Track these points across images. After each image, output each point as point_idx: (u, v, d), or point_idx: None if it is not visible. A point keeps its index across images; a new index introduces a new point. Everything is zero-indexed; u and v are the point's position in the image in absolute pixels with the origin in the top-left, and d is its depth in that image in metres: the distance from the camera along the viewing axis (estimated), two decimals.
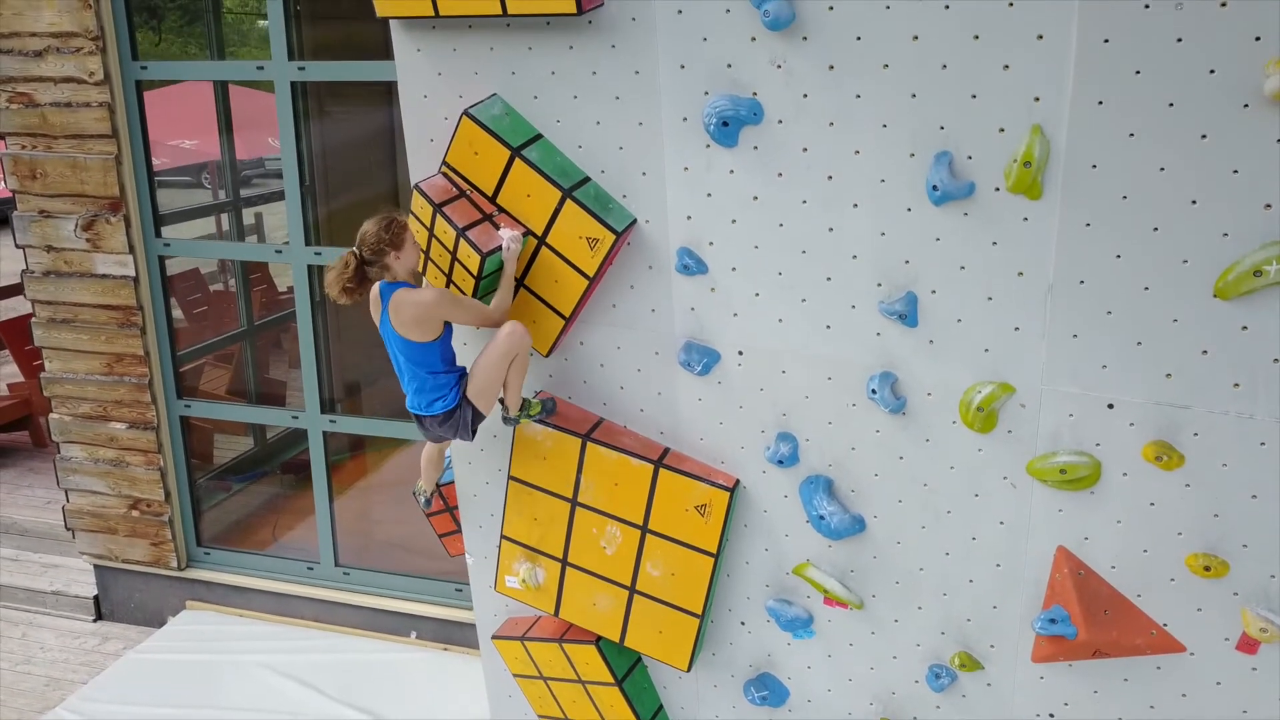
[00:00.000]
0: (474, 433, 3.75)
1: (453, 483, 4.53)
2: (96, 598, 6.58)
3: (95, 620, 6.56)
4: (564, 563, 4.14)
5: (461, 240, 3.59)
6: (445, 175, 3.76)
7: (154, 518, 6.19)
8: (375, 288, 3.63)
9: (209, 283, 9.00)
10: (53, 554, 7.02)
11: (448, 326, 3.61)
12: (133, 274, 5.73)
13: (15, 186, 5.76)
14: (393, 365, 3.73)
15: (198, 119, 8.25)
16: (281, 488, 7.43)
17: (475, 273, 3.64)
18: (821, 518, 3.64)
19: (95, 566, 6.51)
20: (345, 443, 7.53)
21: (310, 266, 5.59)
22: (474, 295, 3.72)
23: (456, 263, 3.69)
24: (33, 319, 6.00)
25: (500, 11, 3.41)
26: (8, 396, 8.41)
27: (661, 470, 3.82)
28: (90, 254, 5.77)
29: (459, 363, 3.76)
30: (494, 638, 4.52)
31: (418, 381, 3.64)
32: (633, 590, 4.03)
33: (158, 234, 5.78)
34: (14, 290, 10.53)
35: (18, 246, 5.87)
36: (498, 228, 3.66)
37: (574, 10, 3.28)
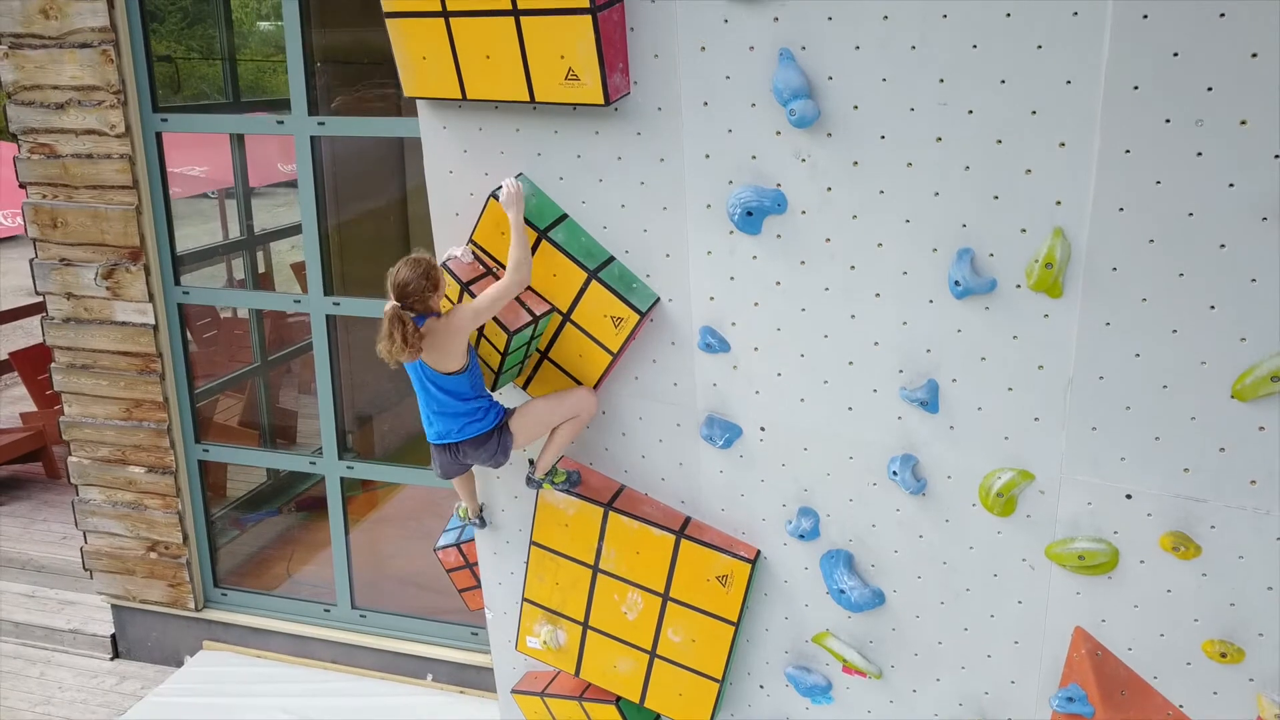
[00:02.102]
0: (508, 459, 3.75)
1: (473, 540, 4.60)
2: (114, 636, 6.64)
3: (112, 659, 6.62)
4: (585, 626, 4.20)
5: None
6: (471, 253, 3.82)
7: (171, 560, 6.25)
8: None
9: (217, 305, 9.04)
10: (69, 590, 7.08)
11: (472, 355, 3.63)
12: (152, 322, 5.79)
13: (36, 235, 5.81)
14: (418, 398, 3.68)
15: (208, 141, 8.25)
16: (296, 519, 7.48)
17: (501, 349, 3.71)
18: (842, 591, 3.71)
19: (112, 606, 6.57)
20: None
21: (329, 317, 5.65)
22: (499, 370, 3.79)
23: (483, 339, 3.75)
24: (52, 363, 6.06)
25: (528, 99, 3.47)
26: (22, 429, 8.46)
27: (683, 541, 3.88)
28: (110, 301, 5.83)
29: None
30: (514, 691, 4.58)
31: (448, 409, 3.61)
32: (653, 654, 4.10)
33: (177, 282, 5.84)
34: (17, 314, 10.57)
35: (38, 293, 5.93)
36: (523, 305, 3.73)
37: (601, 101, 3.34)
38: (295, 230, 6.90)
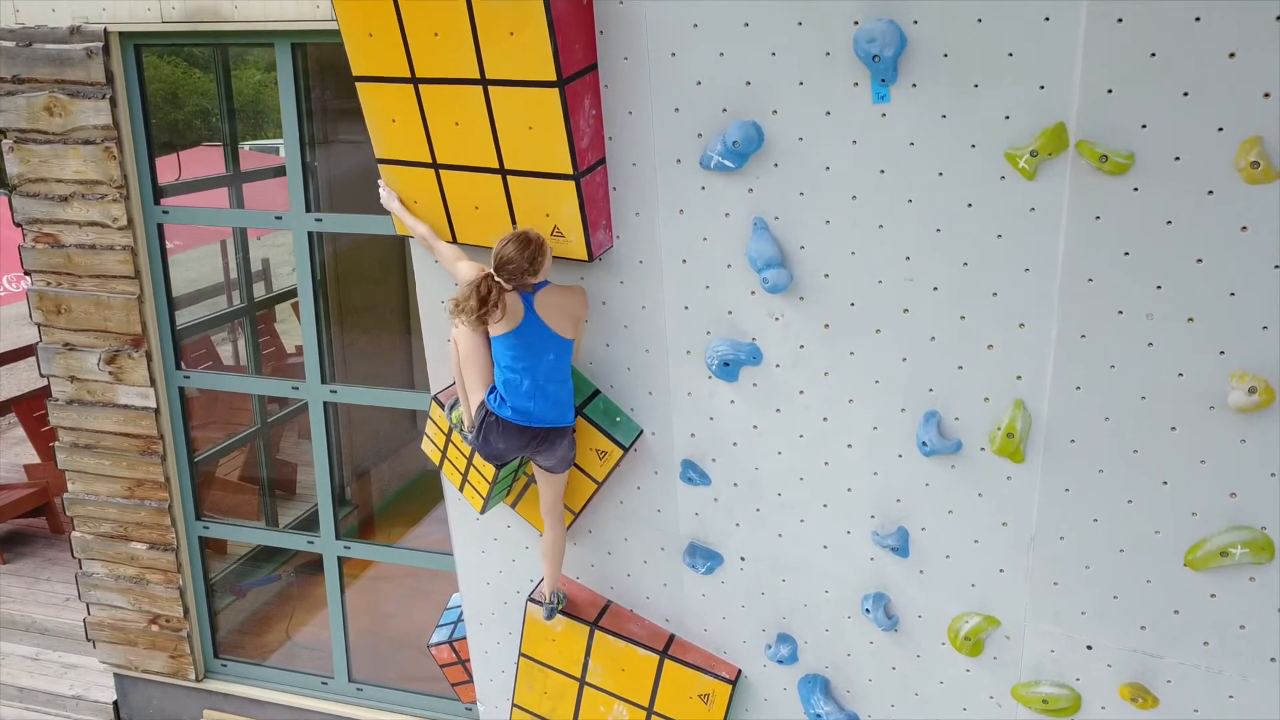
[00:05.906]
0: None
1: (464, 638, 4.74)
2: (116, 703, 6.78)
3: None
4: None
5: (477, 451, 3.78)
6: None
7: (173, 632, 6.39)
8: (510, 298, 3.38)
9: (217, 347, 9.19)
10: (71, 653, 7.22)
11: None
12: (154, 405, 5.92)
13: (40, 320, 5.95)
14: (515, 371, 3.45)
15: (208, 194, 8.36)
16: (294, 577, 7.61)
17: (490, 479, 3.84)
18: (819, 715, 3.84)
19: (114, 674, 6.71)
20: (354, 528, 7.73)
21: (326, 403, 5.79)
22: (488, 496, 3.92)
23: (472, 467, 3.89)
24: (56, 442, 6.20)
25: None
26: (26, 484, 8.58)
27: (667, 661, 4.01)
28: (113, 385, 5.96)
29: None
30: None
31: (551, 384, 3.49)
32: None
33: (178, 366, 5.97)
34: (17, 355, 10.68)
35: (42, 375, 6.08)
36: None
37: (585, 258, 3.47)
38: (292, 294, 7.06)
